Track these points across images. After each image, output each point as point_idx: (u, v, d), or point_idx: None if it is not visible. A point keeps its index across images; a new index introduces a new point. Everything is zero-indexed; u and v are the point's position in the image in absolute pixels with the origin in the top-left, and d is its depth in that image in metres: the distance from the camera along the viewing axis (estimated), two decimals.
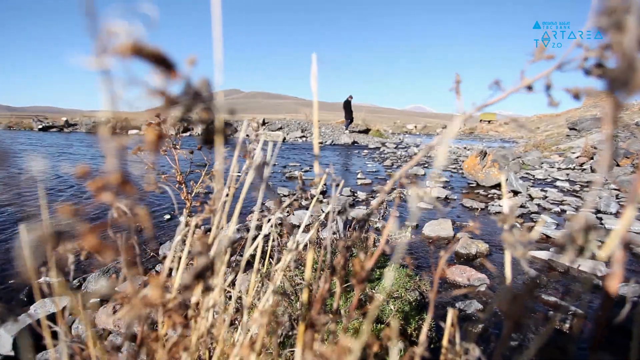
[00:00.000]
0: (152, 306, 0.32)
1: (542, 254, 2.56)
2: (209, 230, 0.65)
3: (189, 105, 0.28)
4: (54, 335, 0.65)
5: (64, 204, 0.31)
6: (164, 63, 0.25)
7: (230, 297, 0.61)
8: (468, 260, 2.53)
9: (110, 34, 0.23)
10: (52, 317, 1.52)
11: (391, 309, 1.46)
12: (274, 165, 7.40)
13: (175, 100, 0.26)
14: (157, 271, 2.15)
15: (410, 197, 0.44)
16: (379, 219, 3.23)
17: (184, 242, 0.52)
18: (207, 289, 0.34)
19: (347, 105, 16.93)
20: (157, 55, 0.25)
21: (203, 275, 0.32)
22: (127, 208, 0.31)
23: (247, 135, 0.53)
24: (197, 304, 0.45)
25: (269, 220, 0.56)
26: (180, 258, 0.50)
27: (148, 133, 0.27)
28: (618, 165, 6.37)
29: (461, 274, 2.22)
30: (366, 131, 17.73)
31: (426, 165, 7.92)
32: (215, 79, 0.33)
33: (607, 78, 0.25)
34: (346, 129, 16.94)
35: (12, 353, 1.37)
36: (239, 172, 0.57)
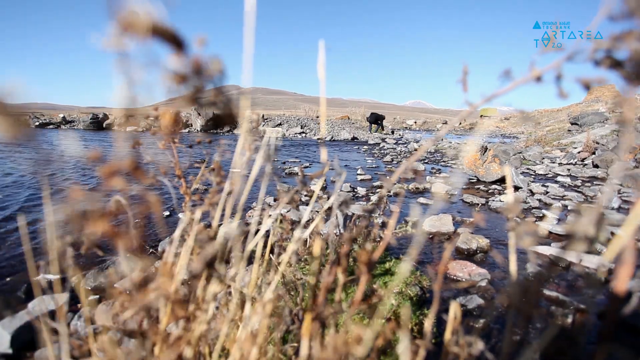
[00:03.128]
0: (158, 296, 0.32)
1: (544, 249, 2.55)
2: (209, 225, 0.64)
3: (199, 86, 0.27)
4: (52, 332, 0.64)
5: (74, 187, 0.30)
6: (179, 44, 0.24)
7: (231, 292, 0.61)
8: (469, 255, 2.53)
9: (131, 13, 0.22)
10: (50, 315, 1.52)
11: (392, 304, 1.46)
12: (274, 161, 7.38)
13: (186, 79, 0.25)
14: (156, 268, 2.15)
15: (433, 194, 0.43)
16: (379, 214, 3.23)
17: (183, 237, 0.52)
18: (215, 278, 0.34)
19: (378, 119, 18.15)
20: (174, 36, 0.24)
21: (212, 263, 0.31)
22: (137, 195, 0.30)
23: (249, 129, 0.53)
24: (201, 297, 0.45)
25: (270, 215, 0.56)
26: (180, 253, 0.49)
27: (164, 117, 0.26)
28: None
29: (462, 269, 2.22)
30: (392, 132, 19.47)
31: (426, 162, 7.90)
32: (244, 75, 0.33)
33: (619, 64, 0.24)
34: (372, 131, 17.87)
35: (10, 350, 1.37)
36: (240, 166, 0.56)
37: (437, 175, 5.97)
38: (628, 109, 0.24)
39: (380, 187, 4.53)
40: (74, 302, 1.73)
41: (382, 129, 18.39)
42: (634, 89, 0.30)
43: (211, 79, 0.27)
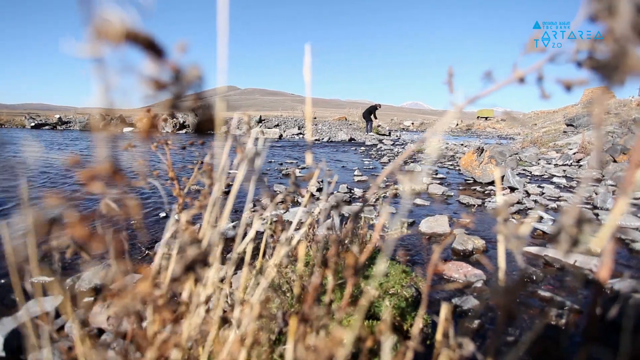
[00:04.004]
0: (141, 300, 0.31)
1: (539, 250, 2.56)
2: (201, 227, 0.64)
3: (179, 92, 0.27)
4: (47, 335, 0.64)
5: (52, 192, 0.30)
6: (157, 50, 0.24)
7: (225, 293, 0.60)
8: (464, 256, 2.53)
9: (104, 20, 0.22)
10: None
11: (387, 305, 1.46)
12: (270, 162, 7.38)
13: (165, 85, 0.25)
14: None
15: (404, 191, 0.43)
16: (375, 215, 3.23)
17: (175, 238, 0.51)
18: (198, 282, 0.34)
19: (372, 111, 17.25)
20: (150, 42, 0.24)
21: (193, 267, 0.31)
22: (117, 199, 0.30)
23: (238, 129, 0.53)
24: (188, 300, 0.45)
25: (261, 215, 0.56)
26: (170, 255, 0.49)
27: (141, 121, 0.26)
28: (615, 161, 6.39)
29: (457, 270, 2.22)
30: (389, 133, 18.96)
31: (423, 163, 7.92)
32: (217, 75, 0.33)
33: (598, 65, 0.25)
34: (367, 132, 17.24)
35: (3, 353, 1.36)
36: (230, 167, 0.56)
37: (431, 172, 5.97)
38: (598, 111, 0.24)
39: (380, 187, 4.54)
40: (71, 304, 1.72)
41: (376, 118, 17.52)
42: (613, 89, 0.30)
43: (190, 85, 0.27)
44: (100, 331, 1.53)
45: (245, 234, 0.56)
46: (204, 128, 0.32)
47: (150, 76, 0.24)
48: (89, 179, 0.27)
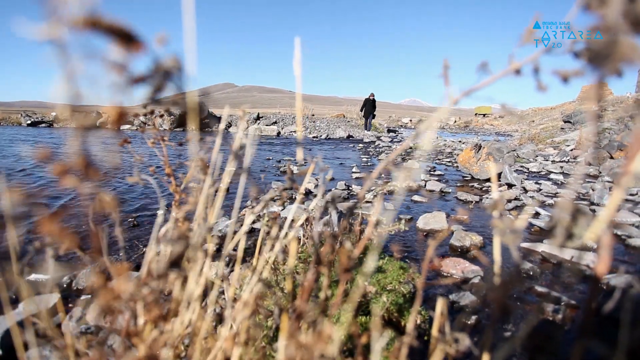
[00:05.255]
0: (124, 299, 0.31)
1: (535, 246, 2.57)
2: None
3: (158, 84, 0.26)
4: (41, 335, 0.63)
5: (15, 187, 0.29)
6: (125, 36, 0.23)
7: (219, 290, 0.60)
8: (462, 252, 2.54)
9: (62, 2, 0.21)
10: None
11: (384, 301, 1.46)
12: (268, 159, 7.37)
13: (140, 78, 0.25)
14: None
15: (399, 187, 0.43)
16: (372, 212, 3.23)
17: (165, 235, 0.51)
18: (185, 279, 0.33)
19: (367, 104, 15.94)
20: (116, 27, 0.23)
21: (178, 263, 0.31)
22: (93, 194, 0.29)
23: (229, 125, 0.52)
24: (178, 297, 0.44)
25: (253, 212, 0.55)
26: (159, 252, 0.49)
27: (110, 111, 0.25)
28: (612, 157, 6.42)
29: (455, 266, 2.23)
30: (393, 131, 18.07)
31: (421, 160, 7.92)
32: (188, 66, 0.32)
33: (592, 54, 0.24)
34: (366, 129, 16.07)
35: None
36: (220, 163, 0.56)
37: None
38: (592, 106, 0.24)
39: (376, 183, 4.54)
40: (69, 302, 1.71)
41: (362, 111, 16.08)
42: (610, 83, 0.30)
43: (169, 77, 0.26)
44: (98, 328, 1.52)
45: (235, 231, 0.56)
46: (186, 122, 0.31)
47: (116, 62, 0.23)
48: (61, 173, 0.26)
